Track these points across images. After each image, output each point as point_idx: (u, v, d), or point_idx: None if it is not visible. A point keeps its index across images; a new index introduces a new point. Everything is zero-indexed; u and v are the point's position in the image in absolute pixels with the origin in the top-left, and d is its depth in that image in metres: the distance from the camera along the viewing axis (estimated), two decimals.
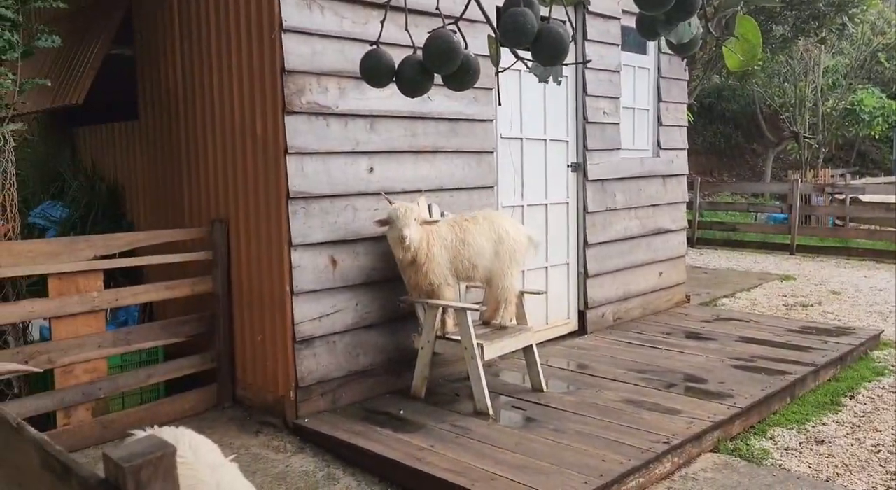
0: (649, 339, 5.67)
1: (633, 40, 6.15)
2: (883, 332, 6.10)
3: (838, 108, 15.79)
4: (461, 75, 1.64)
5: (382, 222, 4.05)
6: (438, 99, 4.55)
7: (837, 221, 12.77)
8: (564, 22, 1.64)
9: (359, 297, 4.29)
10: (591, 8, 5.63)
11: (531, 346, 4.40)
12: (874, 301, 7.68)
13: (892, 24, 15.37)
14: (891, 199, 11.92)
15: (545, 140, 5.50)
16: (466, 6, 1.61)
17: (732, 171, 20.66)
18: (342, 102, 4.09)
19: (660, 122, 6.57)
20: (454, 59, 1.57)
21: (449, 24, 1.63)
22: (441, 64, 1.58)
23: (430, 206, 4.52)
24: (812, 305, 7.50)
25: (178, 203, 4.73)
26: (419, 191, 4.50)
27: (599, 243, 5.96)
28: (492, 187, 5.02)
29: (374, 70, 1.63)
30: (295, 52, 3.89)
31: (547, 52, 1.49)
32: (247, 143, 4.13)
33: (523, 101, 5.23)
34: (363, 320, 4.32)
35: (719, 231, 12.64)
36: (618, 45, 5.96)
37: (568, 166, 5.73)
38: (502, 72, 1.73)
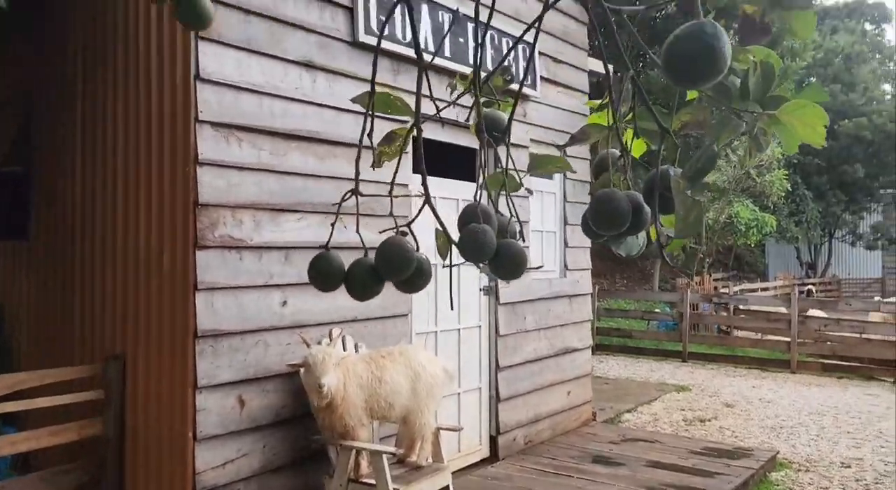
0: (561, 466, 5.61)
1: None
2: (778, 452, 6.33)
3: (719, 220, 17.02)
4: (414, 280, 1.60)
5: (296, 366, 3.86)
6: (353, 227, 4.50)
7: (723, 329, 13.47)
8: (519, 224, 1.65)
9: (267, 438, 4.02)
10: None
11: (448, 486, 4.24)
12: (765, 415, 8.02)
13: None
14: (771, 308, 12.74)
15: (458, 265, 5.52)
16: (419, 211, 1.59)
17: (624, 273, 21.63)
18: (257, 235, 3.97)
19: (566, 244, 6.79)
20: (407, 267, 1.54)
21: (401, 227, 1.60)
22: (394, 273, 1.54)
23: (343, 339, 4.38)
24: (709, 420, 7.73)
25: (68, 334, 4.36)
26: (333, 323, 4.36)
27: (511, 366, 5.95)
28: (406, 315, 4.95)
29: (325, 274, 1.56)
30: (210, 185, 3.76)
31: (507, 269, 1.47)
32: (151, 276, 3.89)
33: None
34: (271, 463, 4.03)
35: (616, 337, 13.02)
36: (527, 172, 6.17)
37: (480, 290, 5.76)
38: (451, 266, 1.70)
